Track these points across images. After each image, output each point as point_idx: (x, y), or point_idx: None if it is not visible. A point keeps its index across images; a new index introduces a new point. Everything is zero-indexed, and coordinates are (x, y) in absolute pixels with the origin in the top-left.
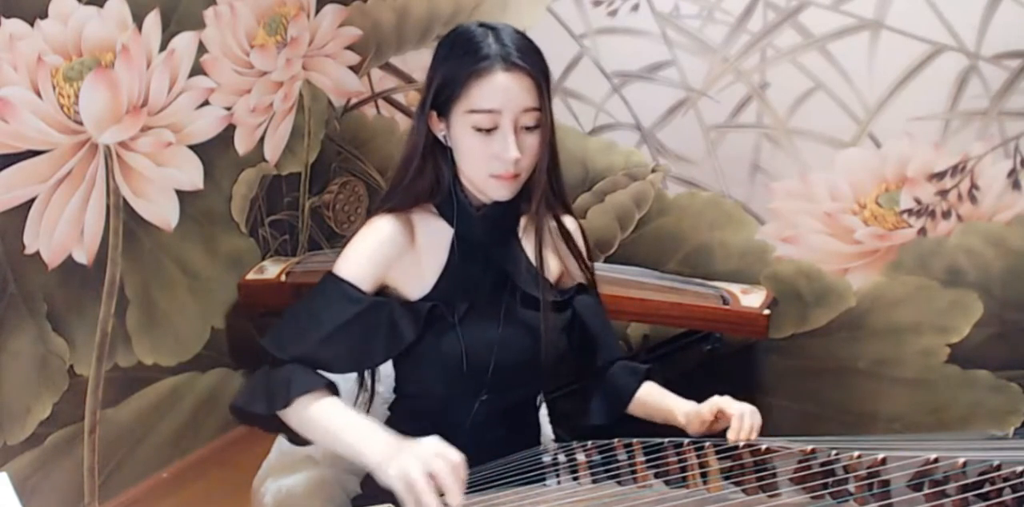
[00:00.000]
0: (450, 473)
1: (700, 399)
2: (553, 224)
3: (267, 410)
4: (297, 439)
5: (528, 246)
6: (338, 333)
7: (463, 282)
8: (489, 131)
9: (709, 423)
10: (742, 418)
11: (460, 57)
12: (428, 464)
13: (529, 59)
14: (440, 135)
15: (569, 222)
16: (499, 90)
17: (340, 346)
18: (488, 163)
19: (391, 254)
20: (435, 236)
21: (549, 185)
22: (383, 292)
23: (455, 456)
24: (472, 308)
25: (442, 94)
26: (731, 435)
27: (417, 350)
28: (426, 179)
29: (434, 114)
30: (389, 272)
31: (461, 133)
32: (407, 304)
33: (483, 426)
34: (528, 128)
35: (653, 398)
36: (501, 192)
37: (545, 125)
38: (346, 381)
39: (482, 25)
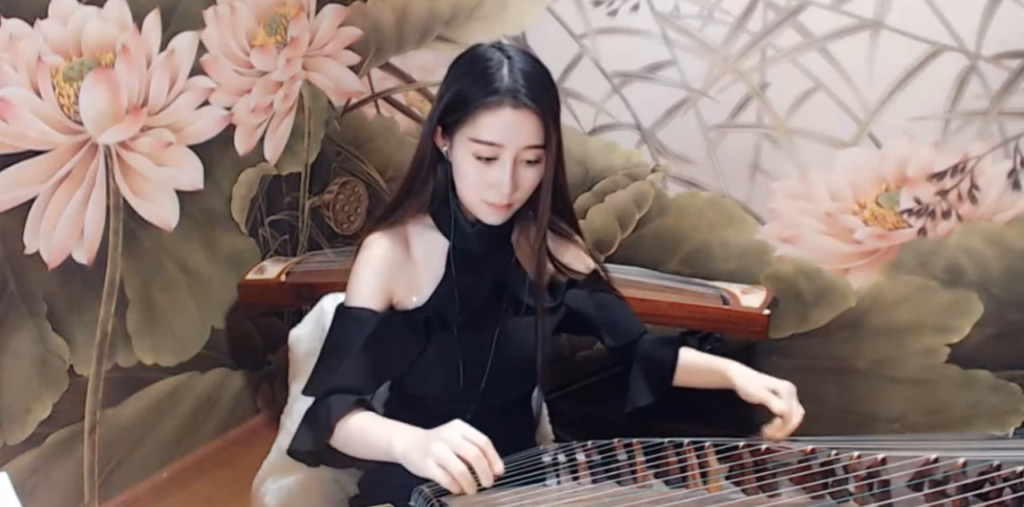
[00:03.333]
0: (479, 456)
1: (700, 399)
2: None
3: (314, 445)
4: (359, 464)
5: (520, 255)
6: (360, 355)
7: (460, 293)
8: (489, 160)
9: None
10: (789, 421)
11: (472, 83)
12: (457, 447)
13: (539, 97)
14: (443, 149)
15: (573, 253)
16: (504, 126)
17: (365, 366)
18: (483, 190)
19: (391, 270)
20: (431, 248)
21: (556, 211)
22: (392, 306)
23: (481, 439)
24: (469, 318)
25: (449, 114)
26: (769, 432)
27: (418, 359)
28: (427, 191)
29: (440, 129)
30: (393, 287)
31: (461, 157)
32: (407, 314)
33: (478, 425)
34: (529, 162)
35: (698, 364)
36: (491, 218)
37: (548, 160)
38: None
39: (500, 49)
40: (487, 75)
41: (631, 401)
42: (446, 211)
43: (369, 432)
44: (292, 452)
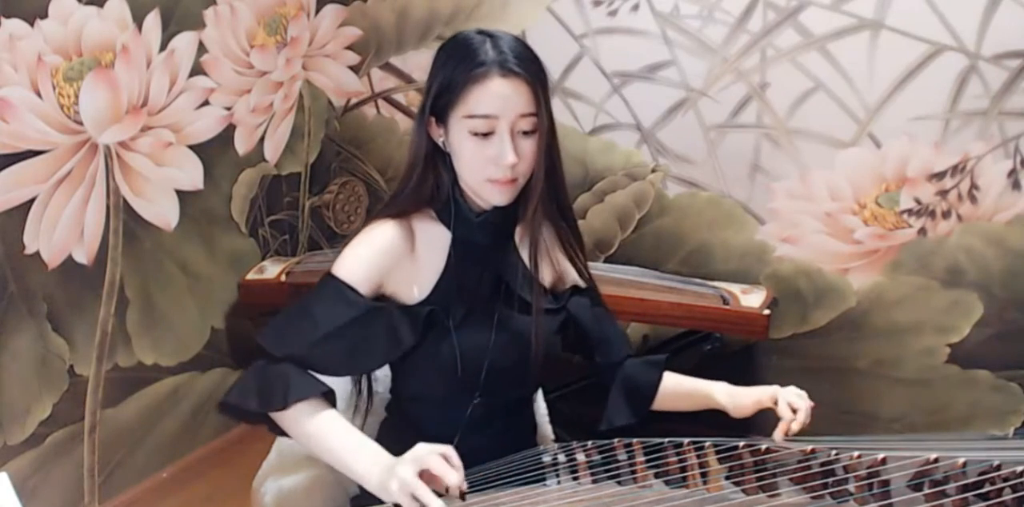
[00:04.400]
0: (441, 462)
1: None
2: (549, 229)
3: (260, 408)
4: (283, 433)
5: (524, 251)
6: (333, 336)
7: (460, 287)
8: (486, 136)
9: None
10: (797, 415)
11: (458, 63)
12: (419, 463)
13: (526, 65)
14: (439, 141)
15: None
16: (495, 96)
17: (335, 349)
18: (485, 168)
19: (390, 260)
20: (434, 241)
21: (547, 192)
22: (382, 297)
23: (442, 448)
24: (469, 313)
25: (440, 100)
26: (780, 430)
27: (414, 354)
28: (427, 185)
29: (433, 120)
30: (388, 277)
31: (459, 138)
32: (406, 309)
33: (478, 426)
34: (525, 133)
35: (682, 386)
36: (498, 197)
37: (542, 131)
38: (344, 383)
39: (481, 32)
40: (471, 52)
41: (608, 420)
42: (448, 204)
43: (334, 444)
44: (226, 404)
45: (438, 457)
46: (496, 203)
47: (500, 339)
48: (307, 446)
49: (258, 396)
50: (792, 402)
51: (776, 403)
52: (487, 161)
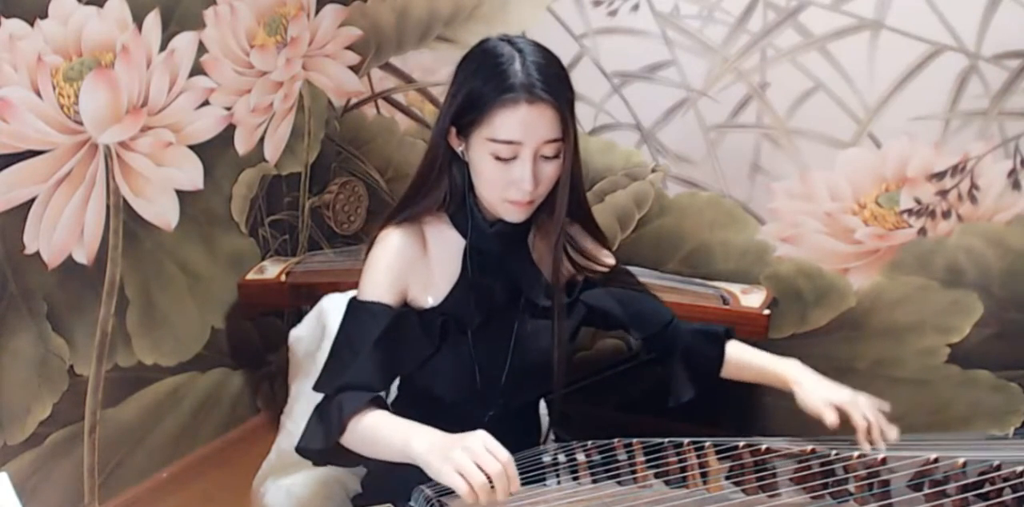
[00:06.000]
0: (501, 473)
1: (702, 399)
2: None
3: (324, 443)
4: (370, 465)
5: (537, 256)
6: (373, 351)
7: (476, 294)
8: (508, 160)
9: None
10: (869, 427)
11: (485, 81)
12: (479, 458)
13: (554, 90)
14: (458, 150)
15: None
16: (521, 123)
17: (378, 363)
18: (505, 189)
19: (405, 265)
20: (447, 246)
21: (570, 209)
22: (406, 303)
23: (504, 454)
24: (486, 321)
25: (463, 114)
26: (863, 440)
27: (431, 362)
28: (441, 190)
29: (453, 130)
30: (408, 283)
31: (479, 157)
32: (421, 314)
33: (495, 429)
34: (547, 157)
35: (753, 363)
36: (514, 216)
37: (567, 153)
38: None
39: (510, 42)
40: (500, 71)
41: (675, 396)
42: (463, 210)
43: (384, 431)
44: (301, 450)
45: (500, 468)
46: (510, 220)
47: (519, 347)
48: (365, 449)
49: (321, 432)
50: (866, 414)
51: (850, 415)
52: (507, 183)
